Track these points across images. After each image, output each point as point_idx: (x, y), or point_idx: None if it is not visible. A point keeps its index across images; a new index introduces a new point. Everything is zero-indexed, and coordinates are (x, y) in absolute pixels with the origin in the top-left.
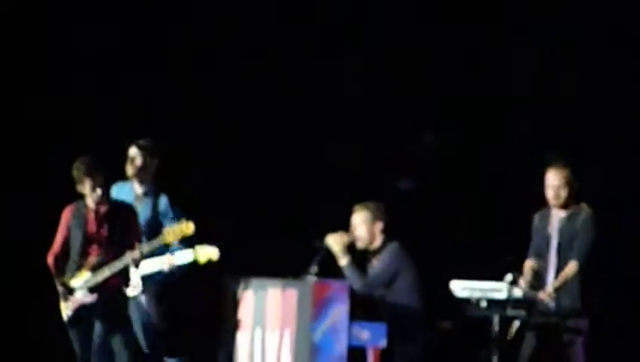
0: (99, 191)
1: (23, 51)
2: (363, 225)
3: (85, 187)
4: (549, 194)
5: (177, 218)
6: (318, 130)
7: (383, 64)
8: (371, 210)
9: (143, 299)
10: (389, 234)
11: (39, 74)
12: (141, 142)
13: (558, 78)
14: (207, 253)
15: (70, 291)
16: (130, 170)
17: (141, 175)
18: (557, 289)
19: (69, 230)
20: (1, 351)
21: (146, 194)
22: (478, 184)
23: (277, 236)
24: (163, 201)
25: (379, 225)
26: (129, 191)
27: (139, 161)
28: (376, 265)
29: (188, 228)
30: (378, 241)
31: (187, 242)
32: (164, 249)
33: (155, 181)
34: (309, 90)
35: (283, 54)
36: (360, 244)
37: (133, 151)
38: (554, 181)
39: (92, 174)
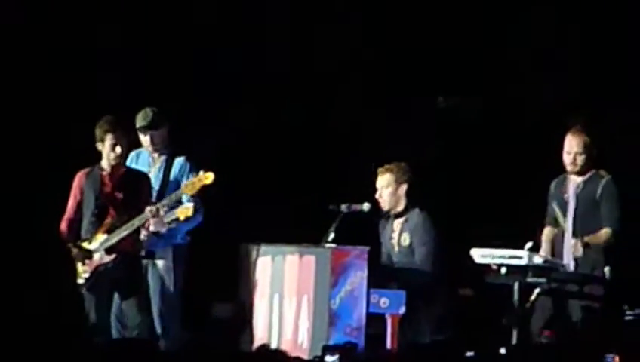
0: (118, 150)
1: None
2: (388, 188)
3: (105, 145)
4: (566, 160)
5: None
6: (348, 92)
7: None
8: (395, 172)
9: (160, 264)
10: (413, 195)
11: None
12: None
13: (572, 32)
14: (200, 177)
15: (87, 254)
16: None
17: (154, 143)
18: (586, 245)
19: (82, 194)
20: None
21: (161, 156)
22: (499, 148)
23: (294, 202)
24: (179, 160)
25: (403, 187)
26: (147, 157)
27: None
28: (405, 233)
29: (207, 178)
30: (402, 204)
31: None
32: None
33: (169, 146)
34: (318, 51)
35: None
36: (385, 207)
37: None
38: (571, 147)
39: (115, 131)
